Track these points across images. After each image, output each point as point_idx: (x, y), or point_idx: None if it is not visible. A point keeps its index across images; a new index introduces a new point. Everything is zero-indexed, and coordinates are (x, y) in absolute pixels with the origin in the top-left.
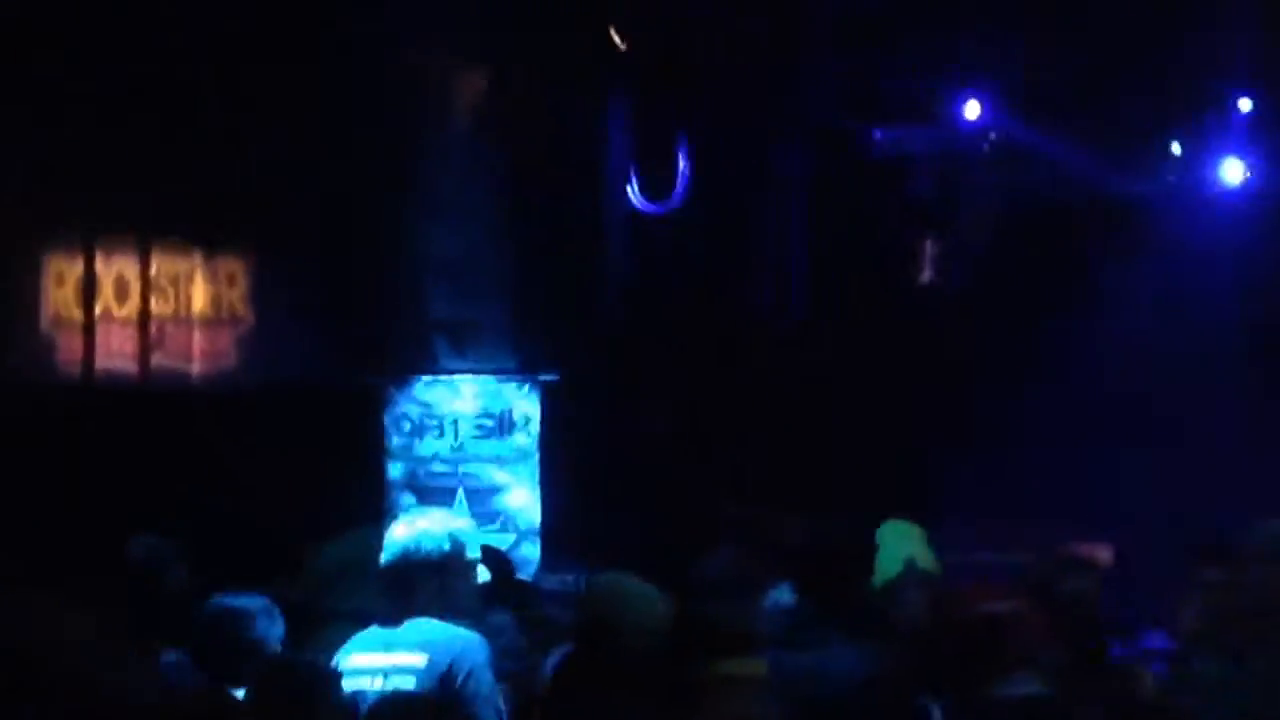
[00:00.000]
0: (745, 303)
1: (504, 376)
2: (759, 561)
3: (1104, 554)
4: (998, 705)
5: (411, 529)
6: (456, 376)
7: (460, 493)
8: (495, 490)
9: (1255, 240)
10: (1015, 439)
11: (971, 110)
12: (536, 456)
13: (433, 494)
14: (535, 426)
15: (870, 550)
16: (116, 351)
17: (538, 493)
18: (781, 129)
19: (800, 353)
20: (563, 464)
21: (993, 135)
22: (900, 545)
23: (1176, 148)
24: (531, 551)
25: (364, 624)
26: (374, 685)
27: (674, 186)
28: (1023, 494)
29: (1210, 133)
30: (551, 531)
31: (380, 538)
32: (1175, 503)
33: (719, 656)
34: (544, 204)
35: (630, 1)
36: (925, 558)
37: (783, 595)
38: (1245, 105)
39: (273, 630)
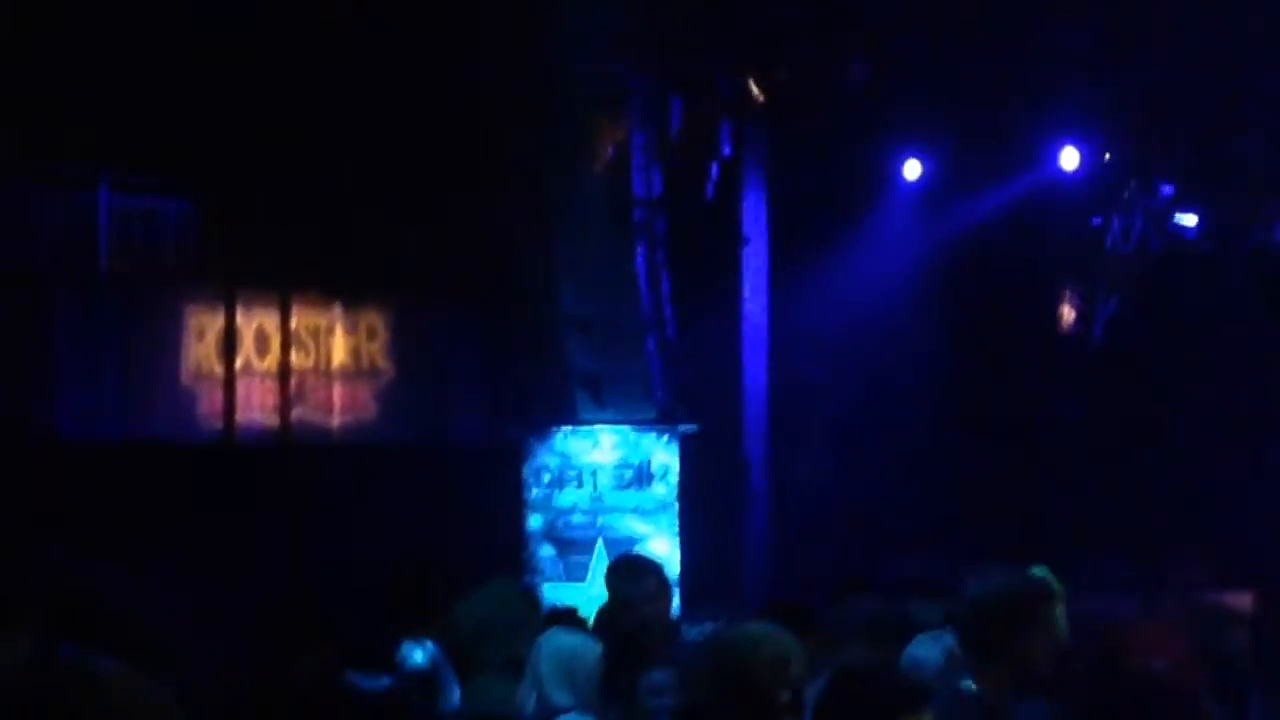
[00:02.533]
0: (888, 354)
1: (643, 427)
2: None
3: (1245, 603)
4: None
5: None
6: (595, 427)
7: (599, 544)
8: (635, 540)
9: None
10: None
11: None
12: (676, 506)
13: (572, 545)
14: (674, 476)
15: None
16: (257, 405)
17: (677, 543)
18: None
19: (946, 404)
20: (702, 514)
21: (1133, 183)
22: None
23: None
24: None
25: (515, 673)
26: None
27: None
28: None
29: None
30: (691, 582)
31: (519, 588)
32: None
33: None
34: (684, 258)
35: (773, 56)
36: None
37: (924, 649)
38: None
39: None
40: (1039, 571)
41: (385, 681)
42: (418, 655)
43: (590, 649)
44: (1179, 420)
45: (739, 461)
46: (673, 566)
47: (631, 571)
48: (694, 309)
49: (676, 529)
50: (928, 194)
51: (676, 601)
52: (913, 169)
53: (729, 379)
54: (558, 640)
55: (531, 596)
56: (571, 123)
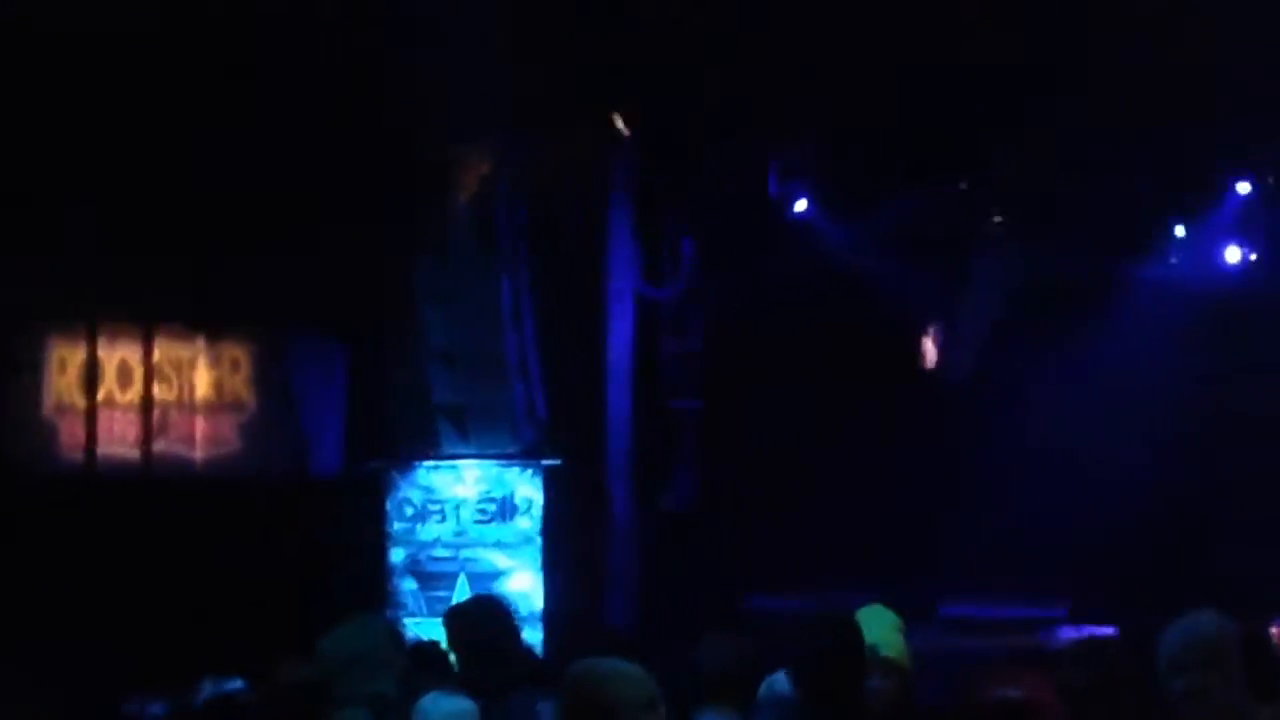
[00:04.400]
0: (756, 385)
1: (507, 461)
2: (757, 649)
3: (1111, 637)
4: None
5: None
6: (459, 461)
7: (462, 578)
8: (497, 575)
9: (1257, 321)
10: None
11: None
12: (539, 541)
13: (435, 579)
14: (538, 510)
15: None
16: (119, 437)
17: (540, 577)
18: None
19: (815, 437)
20: (567, 548)
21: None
22: (869, 631)
23: (1180, 230)
24: (534, 637)
25: (379, 709)
26: None
27: (678, 272)
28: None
29: (1211, 215)
30: (554, 617)
31: (384, 623)
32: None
33: None
34: (547, 291)
35: (634, 91)
36: (893, 645)
37: (779, 684)
38: (1244, 189)
39: None
40: (870, 609)
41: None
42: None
43: (469, 712)
44: (1038, 457)
45: (602, 495)
46: (535, 601)
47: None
48: (560, 342)
49: (540, 563)
50: (801, 224)
51: (539, 636)
52: (785, 200)
53: (594, 412)
54: (441, 705)
55: (395, 631)
56: (438, 155)
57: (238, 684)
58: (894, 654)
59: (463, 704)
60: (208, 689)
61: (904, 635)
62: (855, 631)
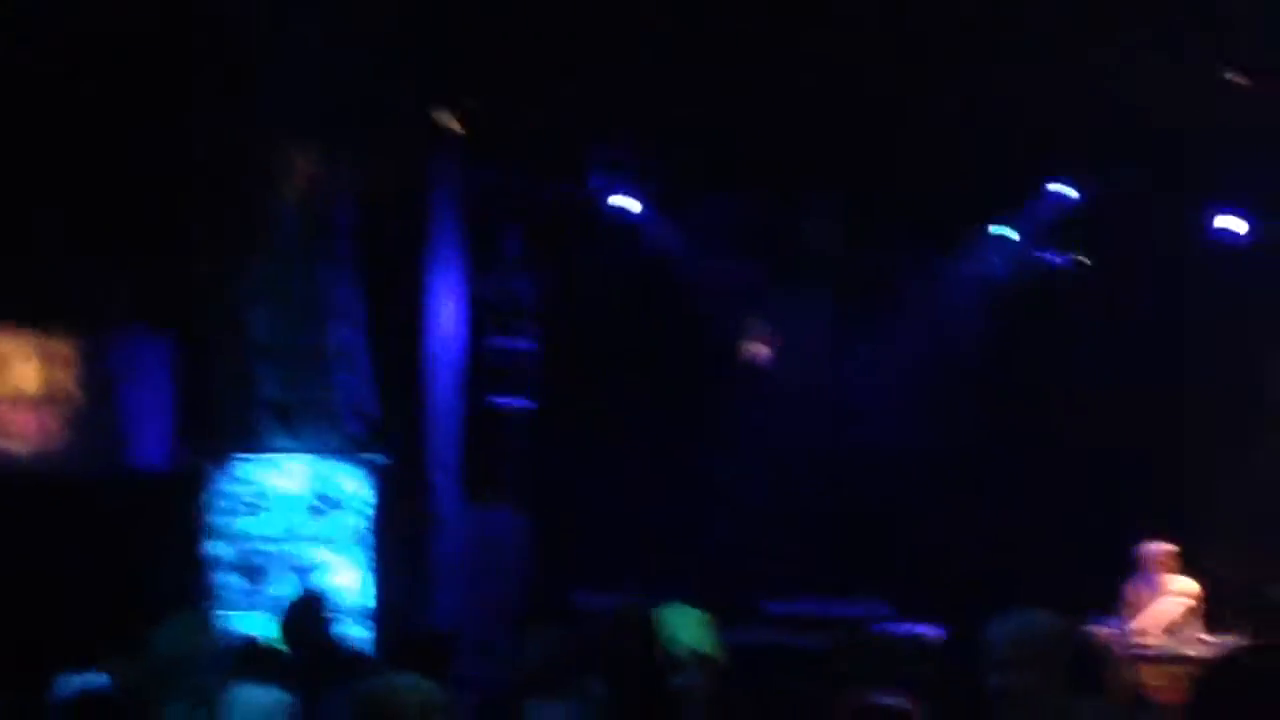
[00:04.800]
0: (584, 382)
1: (332, 456)
2: (575, 650)
3: (935, 635)
4: None
5: None
6: (284, 456)
7: (284, 573)
8: (320, 570)
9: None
10: None
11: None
12: (366, 537)
13: (258, 574)
14: (364, 506)
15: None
16: None
17: (366, 573)
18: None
19: (639, 435)
20: (395, 545)
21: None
22: (680, 630)
23: (1004, 231)
24: (360, 633)
25: (205, 704)
26: None
27: (506, 266)
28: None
29: (1032, 217)
30: (382, 613)
31: (208, 618)
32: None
33: None
34: (374, 288)
35: (463, 86)
36: (703, 640)
37: (594, 686)
38: (1065, 191)
39: None
40: (678, 608)
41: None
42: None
43: (281, 703)
44: (863, 454)
45: (429, 491)
46: (362, 598)
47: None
48: (387, 339)
49: (366, 560)
50: (632, 224)
51: (365, 632)
52: (611, 200)
53: (420, 409)
54: (249, 694)
55: (218, 626)
56: (264, 150)
57: (102, 679)
58: (704, 648)
59: (275, 695)
60: (71, 683)
61: (713, 630)
62: (649, 625)
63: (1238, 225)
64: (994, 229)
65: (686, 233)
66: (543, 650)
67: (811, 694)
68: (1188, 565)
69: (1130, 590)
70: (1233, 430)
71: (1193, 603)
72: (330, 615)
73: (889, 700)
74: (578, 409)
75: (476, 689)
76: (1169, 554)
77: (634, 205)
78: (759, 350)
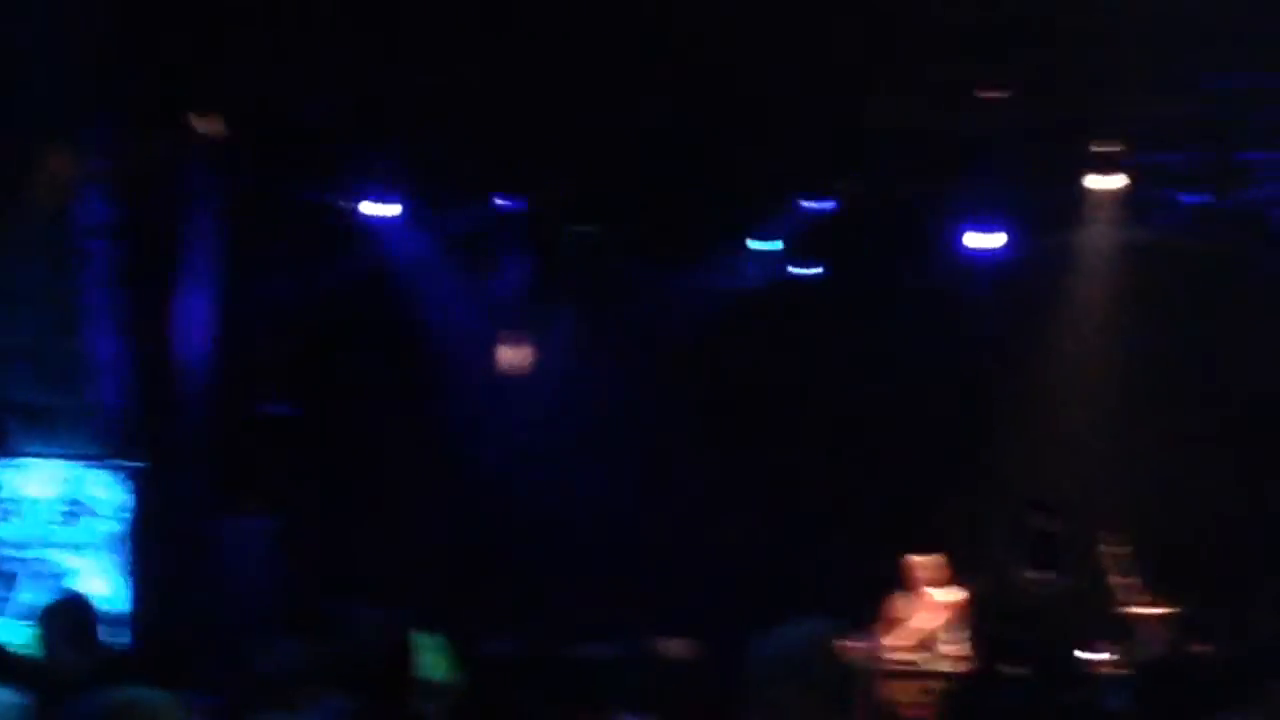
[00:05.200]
0: (340, 394)
1: (85, 461)
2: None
3: (683, 649)
4: None
5: None
6: (33, 459)
7: (31, 578)
8: (70, 576)
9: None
10: None
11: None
12: (120, 543)
13: (8, 580)
14: (118, 512)
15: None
16: None
17: (119, 580)
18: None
19: (396, 445)
20: (152, 552)
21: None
22: (426, 655)
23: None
24: (114, 639)
25: None
26: None
27: (267, 271)
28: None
29: (786, 231)
30: (136, 620)
31: None
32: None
33: None
34: (130, 292)
35: (222, 92)
36: (440, 667)
37: (337, 702)
38: (817, 206)
39: None
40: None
41: None
42: None
43: (13, 705)
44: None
45: (185, 498)
46: (115, 604)
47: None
48: (145, 342)
49: (119, 567)
50: (389, 232)
51: (122, 640)
52: (371, 208)
53: (178, 413)
54: None
55: None
56: (15, 150)
57: None
58: (443, 675)
59: (9, 698)
60: None
61: (451, 656)
62: (404, 641)
63: (992, 239)
64: (752, 242)
65: (442, 240)
66: (281, 660)
67: (557, 714)
68: (959, 574)
69: (892, 603)
70: (980, 435)
71: (949, 615)
72: (91, 620)
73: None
74: (337, 416)
75: (216, 699)
76: (934, 565)
77: (392, 211)
78: (514, 359)
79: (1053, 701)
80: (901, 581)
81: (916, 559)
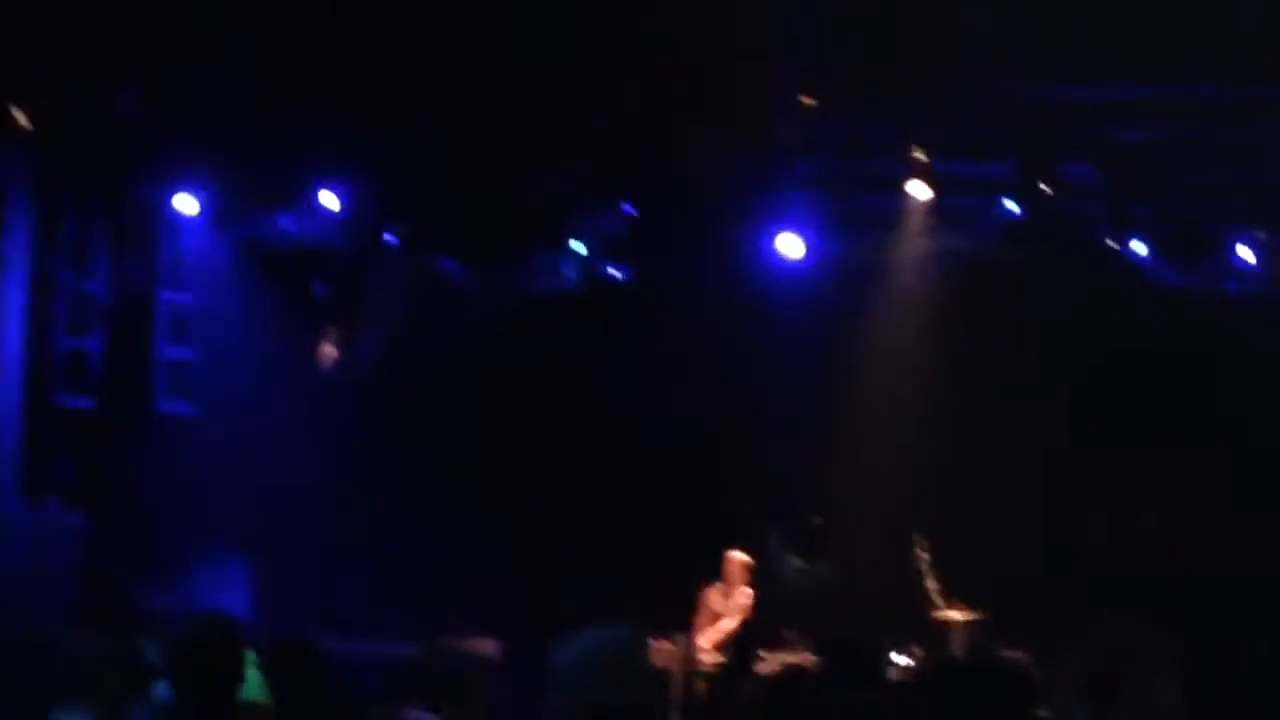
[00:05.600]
0: (145, 385)
1: None
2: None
3: (490, 648)
4: None
5: None
6: None
7: None
8: None
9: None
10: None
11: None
12: None
13: None
14: None
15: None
16: None
17: None
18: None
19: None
20: None
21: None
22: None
23: (579, 247)
24: None
25: None
26: None
27: (76, 264)
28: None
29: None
30: None
31: None
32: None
33: None
34: None
35: (32, 80)
36: (254, 684)
37: (160, 691)
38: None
39: None
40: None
41: None
42: None
43: None
44: (436, 467)
45: None
46: None
47: None
48: None
49: None
50: (204, 227)
51: None
52: (185, 202)
53: None
54: None
55: None
56: None
57: None
58: (257, 697)
59: None
60: None
61: (261, 671)
62: (232, 633)
63: (794, 246)
64: (572, 243)
65: (254, 237)
66: (76, 653)
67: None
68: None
69: (706, 596)
70: (780, 439)
71: (744, 616)
72: None
73: (417, 715)
74: (143, 409)
75: (13, 695)
76: (743, 564)
77: (192, 208)
78: (329, 354)
79: (844, 699)
80: (720, 575)
81: (735, 554)
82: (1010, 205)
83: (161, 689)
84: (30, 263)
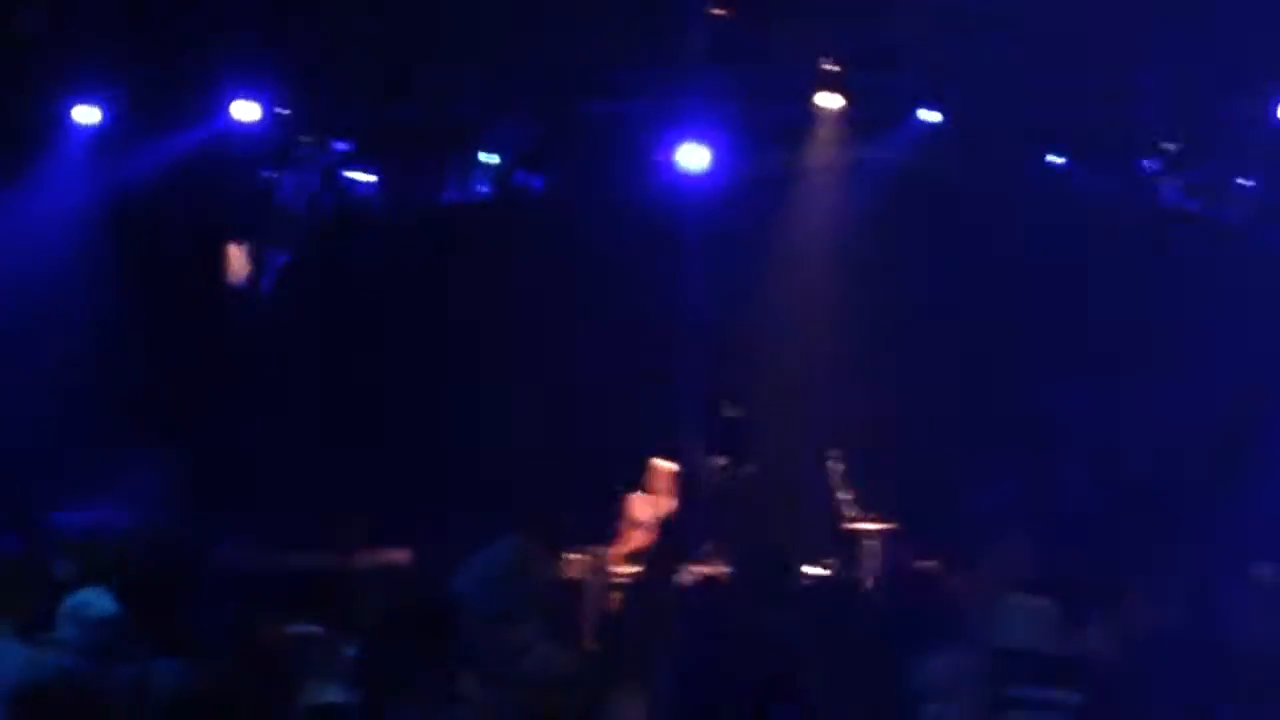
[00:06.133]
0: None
1: None
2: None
3: (403, 558)
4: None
5: None
6: None
7: None
8: None
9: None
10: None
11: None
12: None
13: None
14: None
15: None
16: None
17: None
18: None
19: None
20: None
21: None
22: None
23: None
24: None
25: None
26: None
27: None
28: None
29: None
30: None
31: None
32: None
33: None
34: None
35: None
36: None
37: (102, 602)
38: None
39: None
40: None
41: None
42: None
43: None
44: (348, 379)
45: None
46: None
47: None
48: None
49: None
50: (101, 142)
51: None
52: (85, 115)
53: None
54: None
55: None
56: None
57: None
58: None
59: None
60: None
61: None
62: (176, 546)
63: (699, 157)
64: (482, 155)
65: (172, 149)
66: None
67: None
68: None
69: (629, 505)
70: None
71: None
72: None
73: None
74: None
75: None
76: (668, 473)
77: (94, 117)
78: (238, 271)
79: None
80: (642, 484)
81: (659, 462)
82: (926, 115)
83: (93, 601)
84: None
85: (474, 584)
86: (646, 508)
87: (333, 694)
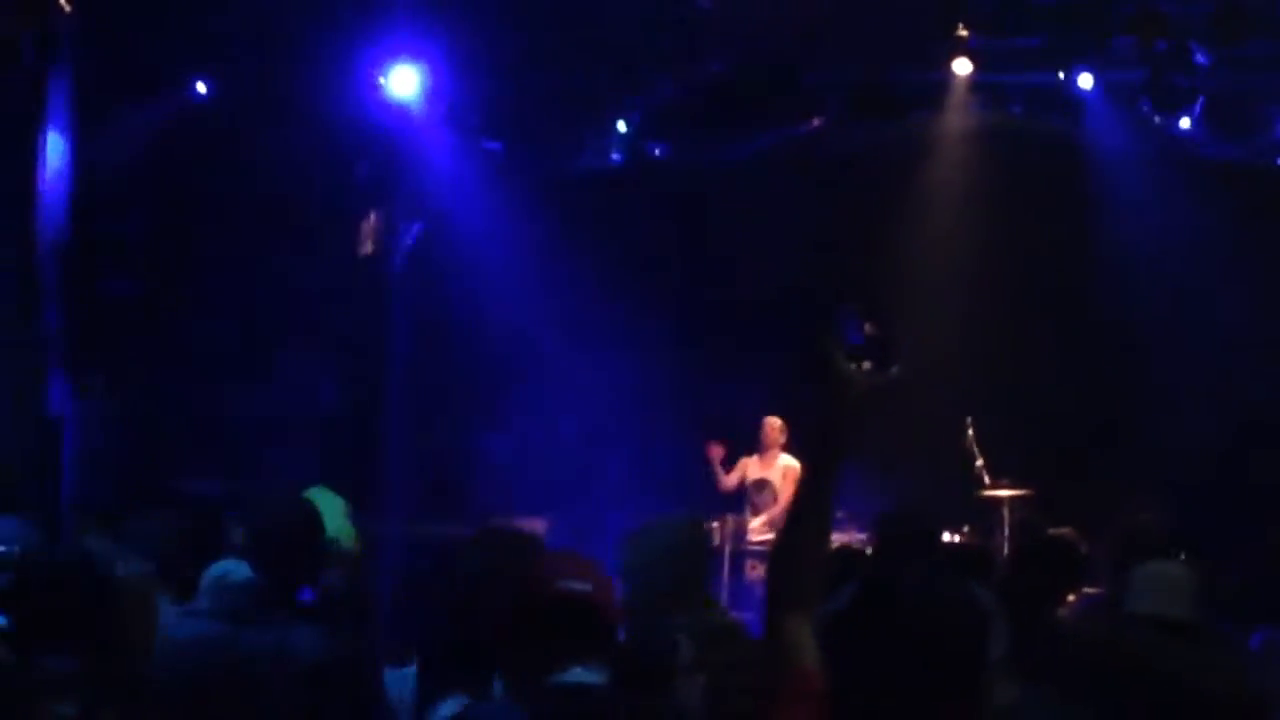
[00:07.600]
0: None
1: None
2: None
3: (538, 526)
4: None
5: None
6: None
7: None
8: None
9: None
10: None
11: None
12: None
13: None
14: None
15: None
16: None
17: None
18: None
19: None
20: None
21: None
22: (327, 519)
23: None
24: None
25: None
26: None
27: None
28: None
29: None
30: None
31: None
32: None
33: None
34: None
35: None
36: (344, 531)
37: (241, 570)
38: None
39: None
40: (320, 493)
41: None
42: None
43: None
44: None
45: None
46: None
47: None
48: None
49: None
50: (214, 113)
51: None
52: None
53: (27, 293)
54: None
55: None
56: None
57: None
58: (344, 542)
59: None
60: None
61: (351, 520)
62: (312, 512)
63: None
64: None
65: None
66: (149, 537)
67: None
68: None
69: (744, 472)
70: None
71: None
72: None
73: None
74: (183, 295)
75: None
76: (777, 427)
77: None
78: (370, 243)
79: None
80: (759, 443)
81: (773, 420)
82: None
83: (232, 568)
84: (74, 145)
85: (649, 559)
86: (762, 465)
87: (582, 674)
